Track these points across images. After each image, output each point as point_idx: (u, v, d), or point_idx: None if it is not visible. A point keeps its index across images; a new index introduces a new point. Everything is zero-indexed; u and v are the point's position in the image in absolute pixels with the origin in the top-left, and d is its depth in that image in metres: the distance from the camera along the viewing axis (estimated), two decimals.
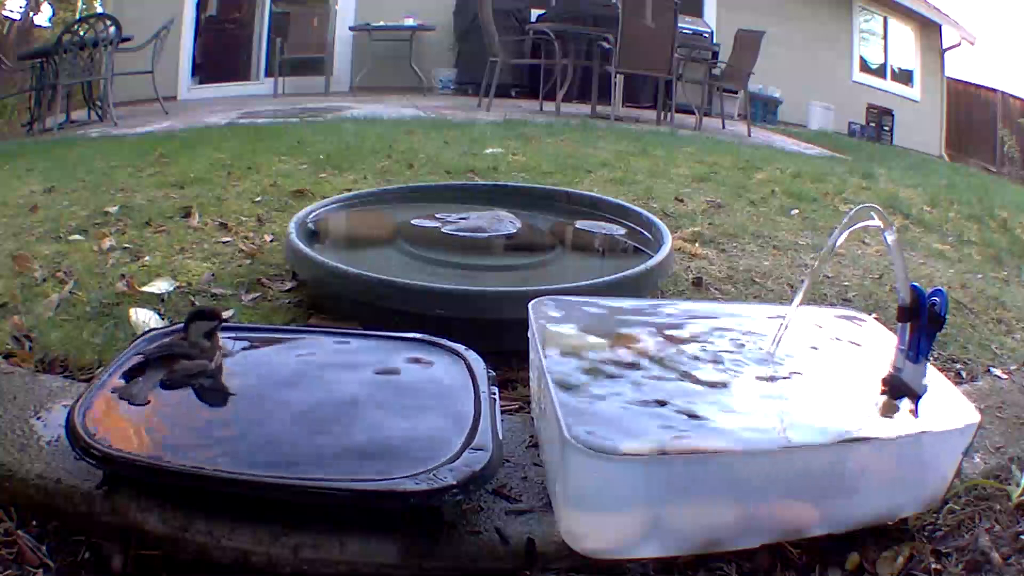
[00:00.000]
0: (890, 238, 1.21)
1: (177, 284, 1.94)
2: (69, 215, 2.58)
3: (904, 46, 10.07)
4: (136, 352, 1.31)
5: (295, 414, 1.21)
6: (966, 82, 10.54)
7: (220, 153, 3.74)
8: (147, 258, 2.13)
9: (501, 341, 1.50)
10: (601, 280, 1.74)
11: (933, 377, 1.24)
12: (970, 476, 1.27)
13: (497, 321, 1.59)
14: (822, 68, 9.19)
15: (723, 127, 6.80)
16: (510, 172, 3.50)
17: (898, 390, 1.23)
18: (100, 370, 1.28)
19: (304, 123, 5.38)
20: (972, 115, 10.54)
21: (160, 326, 1.56)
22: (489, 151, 4.01)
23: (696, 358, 1.31)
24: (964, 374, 1.77)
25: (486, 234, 2.22)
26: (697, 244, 2.51)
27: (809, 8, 9.34)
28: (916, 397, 1.20)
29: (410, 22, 8.30)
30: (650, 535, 1.07)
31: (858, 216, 1.25)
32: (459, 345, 1.38)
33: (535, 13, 8.10)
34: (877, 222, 1.21)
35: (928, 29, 9.94)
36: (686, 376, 1.25)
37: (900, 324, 1.25)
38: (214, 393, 1.28)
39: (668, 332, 1.39)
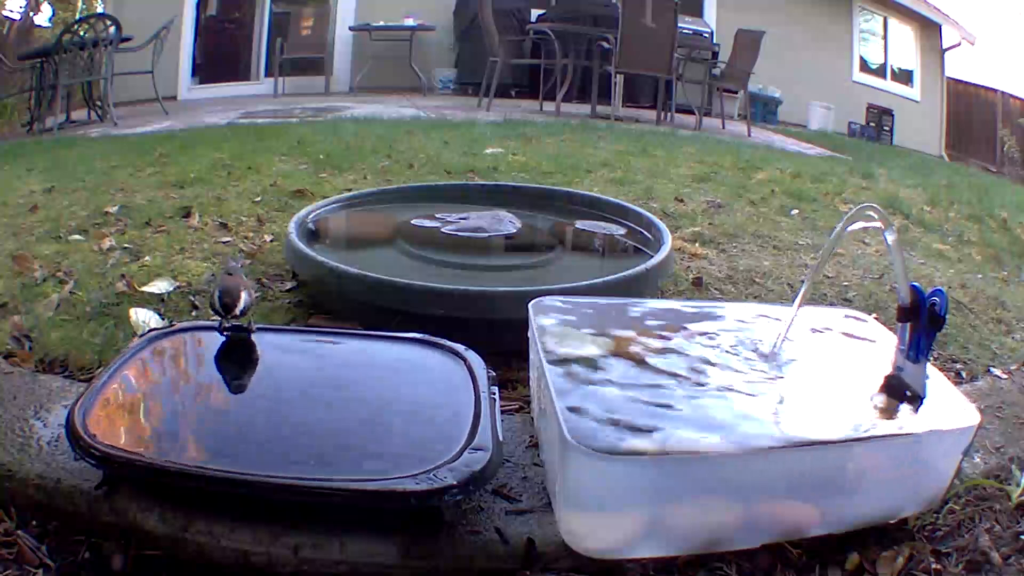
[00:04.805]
0: (890, 238, 1.21)
1: (177, 284, 1.94)
2: (69, 215, 2.58)
3: (904, 46, 10.06)
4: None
5: (295, 414, 1.21)
6: (966, 82, 10.52)
7: (220, 153, 3.74)
8: (147, 258, 2.13)
9: (501, 341, 1.50)
10: (601, 280, 1.74)
11: (933, 377, 1.23)
12: (970, 476, 1.27)
13: (497, 321, 1.59)
14: (822, 68, 9.18)
15: (723, 127, 6.80)
16: (510, 172, 3.50)
17: (898, 390, 1.23)
18: (100, 370, 1.28)
19: (304, 123, 5.38)
20: (972, 115, 10.53)
21: (160, 326, 1.56)
22: (489, 151, 4.01)
23: (696, 357, 1.30)
24: (964, 374, 1.77)
25: (486, 234, 2.22)
26: (697, 244, 2.51)
27: (809, 8, 9.33)
28: (916, 397, 1.20)
29: (410, 22, 8.29)
30: (650, 535, 1.07)
31: (858, 216, 1.25)
32: (459, 345, 1.38)
33: (535, 13, 8.09)
34: (877, 222, 1.21)
35: (928, 29, 9.93)
36: (686, 375, 1.24)
37: (900, 324, 1.25)
38: (213, 388, 1.28)
39: (668, 332, 1.39)
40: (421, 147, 4.05)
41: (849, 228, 1.26)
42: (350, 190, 2.82)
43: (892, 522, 1.16)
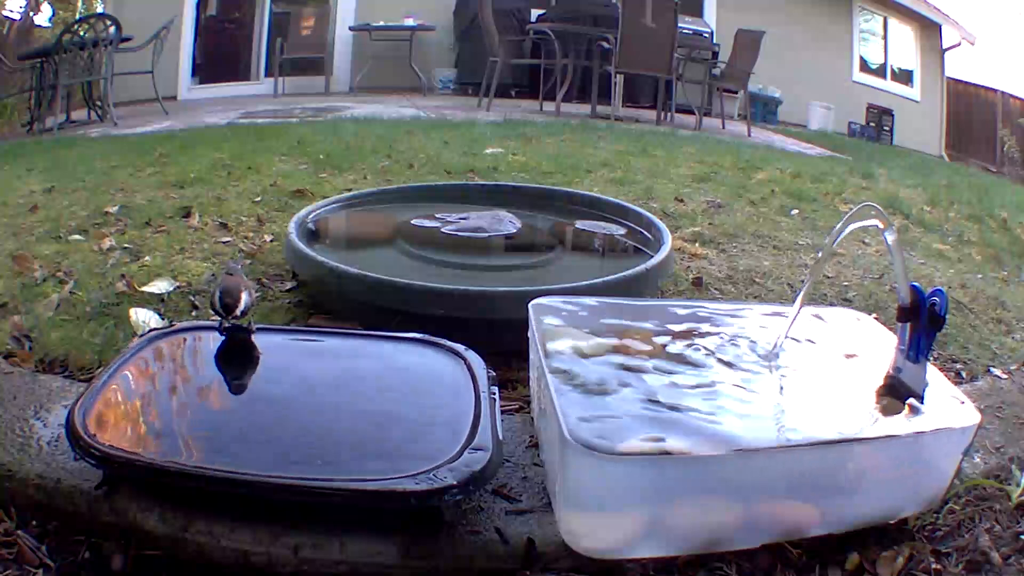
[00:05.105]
0: (890, 238, 1.21)
1: (177, 284, 1.94)
2: (69, 215, 2.58)
3: (904, 46, 10.06)
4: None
5: (295, 414, 1.21)
6: (966, 82, 10.52)
7: (220, 153, 3.74)
8: (147, 258, 2.13)
9: (501, 341, 1.50)
10: (601, 280, 1.74)
11: (933, 377, 1.23)
12: (970, 476, 1.27)
13: (497, 321, 1.59)
14: (822, 68, 9.18)
15: (723, 127, 6.80)
16: (510, 172, 3.50)
17: (898, 390, 1.23)
18: (100, 370, 1.28)
19: (304, 123, 5.38)
20: (972, 115, 10.53)
21: (160, 326, 1.56)
22: (489, 151, 4.01)
23: (696, 358, 1.31)
24: (964, 374, 1.77)
25: (486, 234, 2.22)
26: (697, 244, 2.51)
27: (809, 8, 9.33)
28: (916, 397, 1.20)
29: (410, 22, 8.29)
30: (650, 535, 1.07)
31: (858, 216, 1.25)
32: (459, 345, 1.38)
33: (535, 13, 8.10)
34: (877, 222, 1.21)
35: (928, 29, 9.93)
36: (685, 375, 1.25)
37: (900, 324, 1.25)
38: (213, 388, 1.28)
39: (668, 332, 1.39)
40: (421, 147, 4.05)
41: (849, 228, 1.26)
42: (350, 190, 2.82)
43: (892, 522, 1.16)
